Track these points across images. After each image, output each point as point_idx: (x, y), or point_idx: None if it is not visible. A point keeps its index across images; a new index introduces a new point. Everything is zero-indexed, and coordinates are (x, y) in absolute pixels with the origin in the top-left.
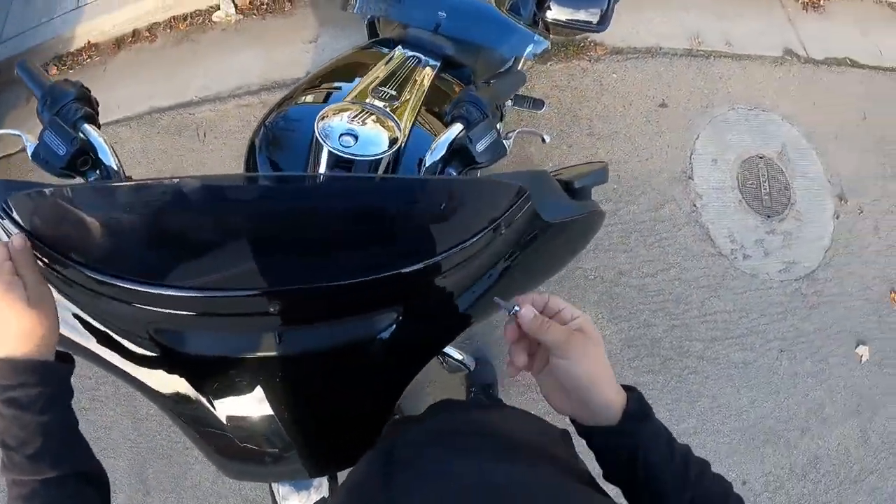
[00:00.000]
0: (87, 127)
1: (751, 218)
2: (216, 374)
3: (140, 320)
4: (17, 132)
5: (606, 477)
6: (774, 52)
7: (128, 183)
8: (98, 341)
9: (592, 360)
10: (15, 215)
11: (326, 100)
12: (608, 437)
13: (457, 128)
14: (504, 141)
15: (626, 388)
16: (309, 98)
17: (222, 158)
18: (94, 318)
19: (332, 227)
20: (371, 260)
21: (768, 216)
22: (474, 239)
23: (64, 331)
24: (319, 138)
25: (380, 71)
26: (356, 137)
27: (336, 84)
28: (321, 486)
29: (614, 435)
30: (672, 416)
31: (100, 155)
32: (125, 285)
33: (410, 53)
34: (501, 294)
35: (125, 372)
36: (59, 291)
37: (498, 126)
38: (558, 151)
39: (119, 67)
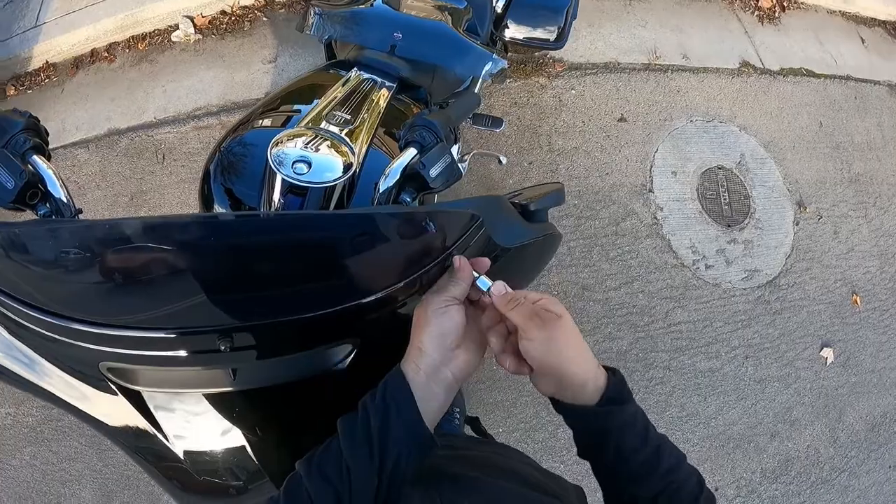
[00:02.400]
0: (36, 159)
1: (712, 228)
2: (172, 410)
3: (90, 359)
4: None
5: (579, 453)
6: (731, 65)
7: (75, 223)
8: (49, 380)
9: (561, 340)
10: None
11: (283, 124)
12: (583, 417)
13: (410, 153)
14: (460, 164)
15: (608, 370)
16: (265, 122)
17: (182, 181)
18: (45, 357)
19: (283, 262)
20: (325, 293)
21: (729, 226)
22: (428, 268)
23: (15, 368)
24: (273, 166)
25: (336, 93)
26: (309, 164)
27: (293, 107)
28: None
29: (590, 416)
30: None
31: (49, 188)
32: (74, 326)
33: (366, 75)
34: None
35: (79, 409)
36: (6, 329)
37: (454, 149)
38: (519, 168)
39: (77, 88)
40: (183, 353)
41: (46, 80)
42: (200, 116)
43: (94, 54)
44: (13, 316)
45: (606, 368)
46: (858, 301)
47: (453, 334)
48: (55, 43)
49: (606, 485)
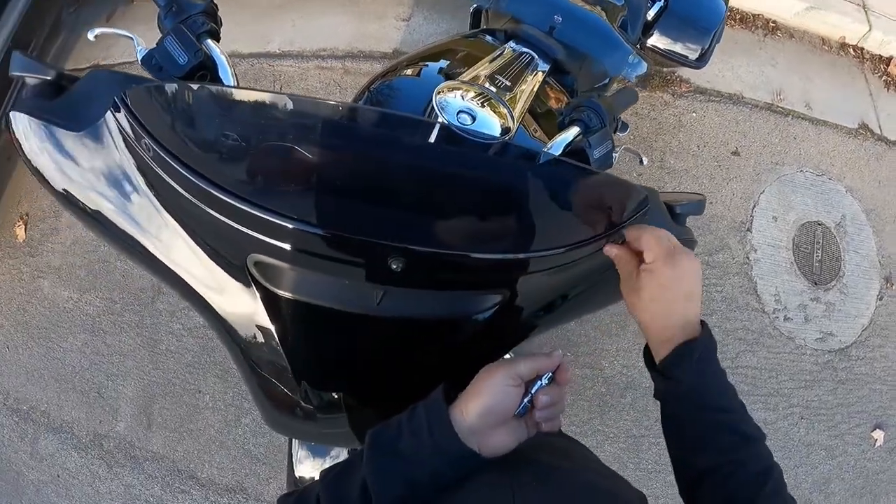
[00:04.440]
0: (210, 43)
1: (799, 282)
2: (302, 321)
3: (243, 246)
4: (128, 33)
5: (655, 395)
6: (850, 124)
7: (264, 91)
8: (186, 257)
9: (681, 272)
10: (132, 108)
11: (436, 78)
12: (665, 362)
13: (574, 130)
14: (613, 154)
15: (704, 329)
16: (417, 72)
17: None
18: (192, 234)
19: (462, 196)
20: (495, 236)
21: (815, 283)
22: (592, 238)
23: (143, 238)
24: (437, 109)
25: (493, 60)
26: (473, 117)
27: (443, 65)
28: (338, 457)
29: (669, 362)
30: None
31: (220, 73)
32: (242, 206)
33: (523, 50)
34: (589, 301)
35: (198, 294)
36: (158, 197)
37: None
38: (629, 176)
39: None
40: (341, 260)
41: None
42: (325, 57)
43: None
44: (173, 182)
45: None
46: None
47: (500, 415)
48: None
49: (669, 447)
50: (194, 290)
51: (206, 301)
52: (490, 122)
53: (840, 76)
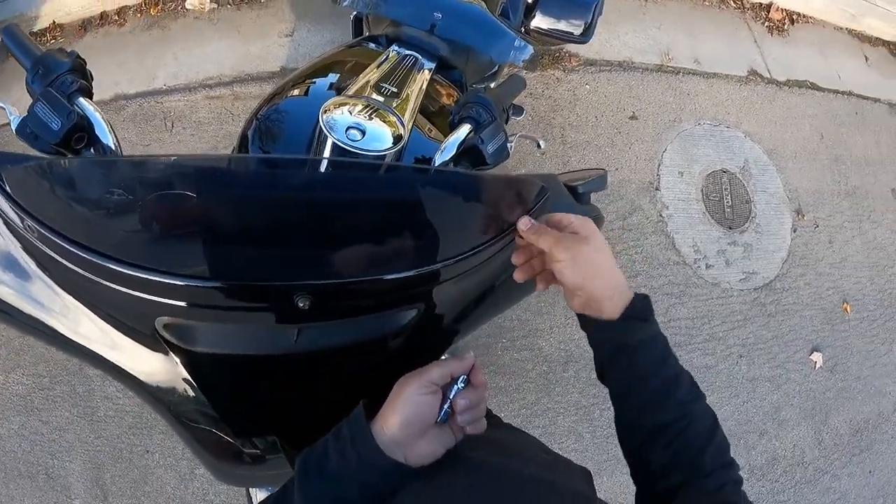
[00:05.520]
0: (83, 101)
1: (714, 229)
2: (224, 373)
3: (147, 311)
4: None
5: (598, 376)
6: (740, 72)
7: (141, 157)
8: (94, 332)
9: (585, 258)
10: (8, 189)
11: (324, 95)
12: (603, 329)
13: (465, 128)
14: (507, 144)
15: (637, 295)
16: (304, 91)
17: (191, 150)
18: (94, 308)
19: (359, 220)
20: (400, 254)
21: (730, 228)
22: (495, 238)
23: (48, 319)
24: (325, 130)
25: (377, 68)
26: (363, 132)
27: (330, 79)
28: None
29: (608, 329)
30: None
31: (97, 131)
32: (137, 274)
33: (406, 52)
34: (506, 296)
35: (114, 364)
36: (50, 276)
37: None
38: (532, 158)
39: (84, 50)
40: (248, 308)
41: (52, 42)
42: (212, 86)
43: (103, 17)
44: (61, 258)
45: (636, 294)
46: (849, 309)
47: (419, 424)
48: (64, 3)
49: (619, 415)
50: (110, 363)
51: (125, 371)
52: (381, 133)
53: (724, 28)
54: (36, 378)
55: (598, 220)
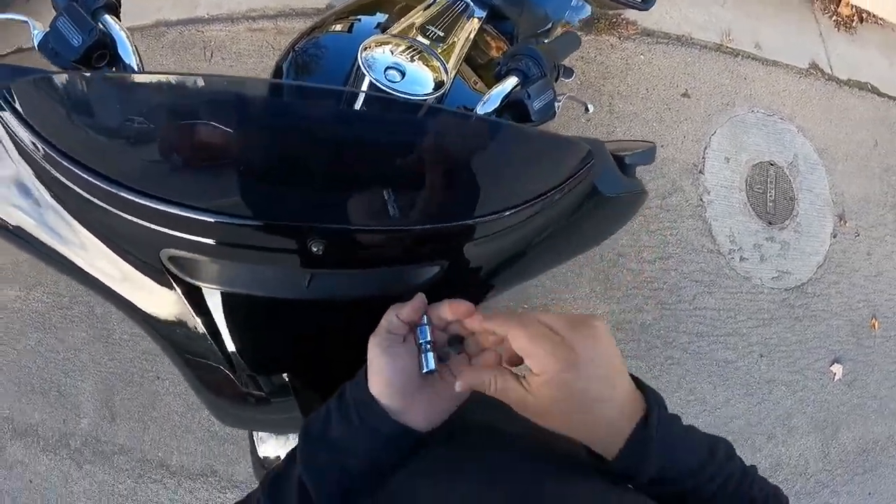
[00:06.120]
0: (108, 18)
1: (753, 222)
2: (230, 311)
3: (153, 243)
4: (22, 17)
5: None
6: (801, 64)
7: (159, 74)
8: (91, 259)
9: (602, 351)
10: (18, 106)
11: (366, 33)
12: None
13: (512, 81)
14: (555, 103)
15: (641, 389)
16: (344, 28)
17: None
18: (102, 236)
19: (388, 163)
20: (427, 207)
21: (770, 223)
22: (534, 201)
23: (60, 247)
24: (363, 68)
25: (425, 10)
26: (403, 73)
27: (375, 18)
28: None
29: (615, 469)
30: None
31: (119, 50)
32: (142, 201)
33: None
34: (536, 264)
35: (120, 296)
36: (55, 198)
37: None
38: (576, 123)
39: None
40: (259, 248)
41: None
42: (255, 18)
43: None
44: (69, 182)
45: (639, 385)
46: (877, 325)
47: (401, 380)
48: None
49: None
50: (116, 294)
51: (130, 303)
52: (422, 77)
53: (790, 16)
54: (56, 297)
55: (641, 195)
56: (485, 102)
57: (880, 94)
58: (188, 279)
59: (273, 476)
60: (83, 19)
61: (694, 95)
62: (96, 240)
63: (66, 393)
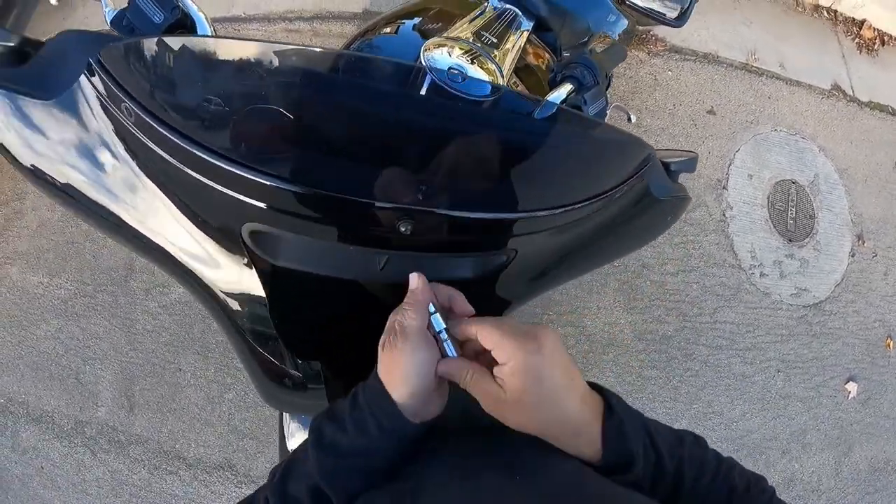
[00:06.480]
0: None
1: (774, 239)
2: (299, 291)
3: (237, 215)
4: None
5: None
6: (823, 85)
7: (256, 41)
8: (172, 229)
9: (548, 363)
10: (110, 68)
11: (421, 36)
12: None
13: (567, 87)
14: (605, 111)
15: (595, 389)
16: (392, 31)
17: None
18: (180, 204)
19: (477, 153)
20: (507, 196)
21: (790, 240)
22: (609, 193)
23: (125, 213)
24: (427, 67)
25: (476, 18)
26: (464, 76)
27: (426, 23)
28: None
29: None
30: (668, 414)
31: (199, 32)
32: (238, 171)
33: (507, 6)
34: (578, 264)
35: (189, 270)
36: (143, 167)
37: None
38: None
39: None
40: (346, 226)
41: None
42: (292, 19)
43: None
44: (160, 150)
45: (593, 387)
46: (891, 345)
47: (422, 378)
48: None
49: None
50: (181, 264)
51: (194, 274)
52: (480, 80)
53: (813, 38)
54: (80, 284)
55: (685, 200)
56: (542, 108)
57: None
58: (266, 256)
59: (280, 475)
60: None
61: (719, 113)
62: (173, 207)
63: (85, 381)
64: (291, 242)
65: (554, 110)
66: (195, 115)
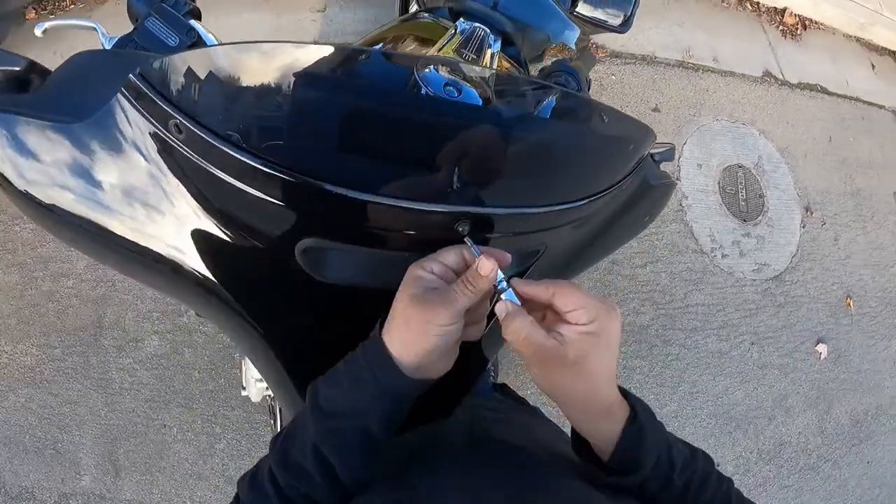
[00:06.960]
0: (195, 23)
1: (729, 221)
2: (343, 307)
3: (294, 230)
4: (89, 22)
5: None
6: (755, 72)
7: (302, 43)
8: (209, 252)
9: (608, 341)
10: (156, 86)
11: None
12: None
13: (556, 95)
14: None
15: (623, 393)
16: (365, 57)
17: None
18: (228, 223)
19: (515, 150)
20: (538, 190)
21: (744, 220)
22: (626, 179)
23: (160, 246)
24: (422, 84)
25: (451, 38)
26: (460, 90)
27: (405, 47)
28: None
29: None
30: (657, 400)
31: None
32: (297, 180)
33: (476, 25)
34: (597, 254)
35: (220, 292)
36: (189, 186)
37: None
38: None
39: (105, 17)
40: (402, 234)
41: (71, 6)
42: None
43: None
44: (212, 167)
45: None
46: (851, 304)
47: (440, 351)
48: None
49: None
50: (217, 294)
51: (225, 296)
52: (472, 94)
53: (741, 30)
54: (47, 349)
55: (671, 186)
56: (544, 105)
57: (829, 94)
58: (314, 274)
59: (282, 443)
60: (177, 20)
61: (664, 109)
62: (218, 231)
63: (63, 450)
64: (340, 257)
65: (568, 94)
66: (252, 128)
